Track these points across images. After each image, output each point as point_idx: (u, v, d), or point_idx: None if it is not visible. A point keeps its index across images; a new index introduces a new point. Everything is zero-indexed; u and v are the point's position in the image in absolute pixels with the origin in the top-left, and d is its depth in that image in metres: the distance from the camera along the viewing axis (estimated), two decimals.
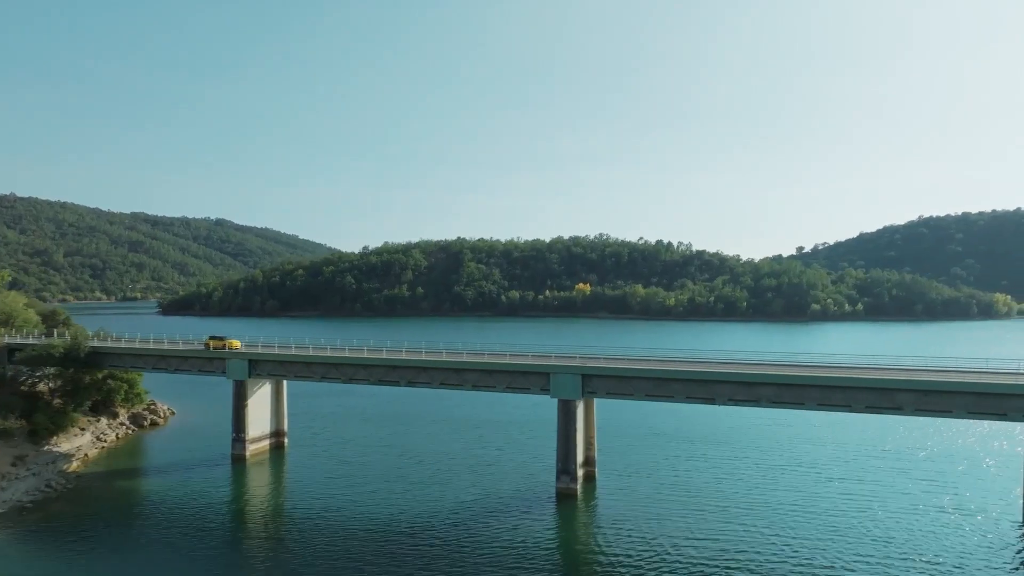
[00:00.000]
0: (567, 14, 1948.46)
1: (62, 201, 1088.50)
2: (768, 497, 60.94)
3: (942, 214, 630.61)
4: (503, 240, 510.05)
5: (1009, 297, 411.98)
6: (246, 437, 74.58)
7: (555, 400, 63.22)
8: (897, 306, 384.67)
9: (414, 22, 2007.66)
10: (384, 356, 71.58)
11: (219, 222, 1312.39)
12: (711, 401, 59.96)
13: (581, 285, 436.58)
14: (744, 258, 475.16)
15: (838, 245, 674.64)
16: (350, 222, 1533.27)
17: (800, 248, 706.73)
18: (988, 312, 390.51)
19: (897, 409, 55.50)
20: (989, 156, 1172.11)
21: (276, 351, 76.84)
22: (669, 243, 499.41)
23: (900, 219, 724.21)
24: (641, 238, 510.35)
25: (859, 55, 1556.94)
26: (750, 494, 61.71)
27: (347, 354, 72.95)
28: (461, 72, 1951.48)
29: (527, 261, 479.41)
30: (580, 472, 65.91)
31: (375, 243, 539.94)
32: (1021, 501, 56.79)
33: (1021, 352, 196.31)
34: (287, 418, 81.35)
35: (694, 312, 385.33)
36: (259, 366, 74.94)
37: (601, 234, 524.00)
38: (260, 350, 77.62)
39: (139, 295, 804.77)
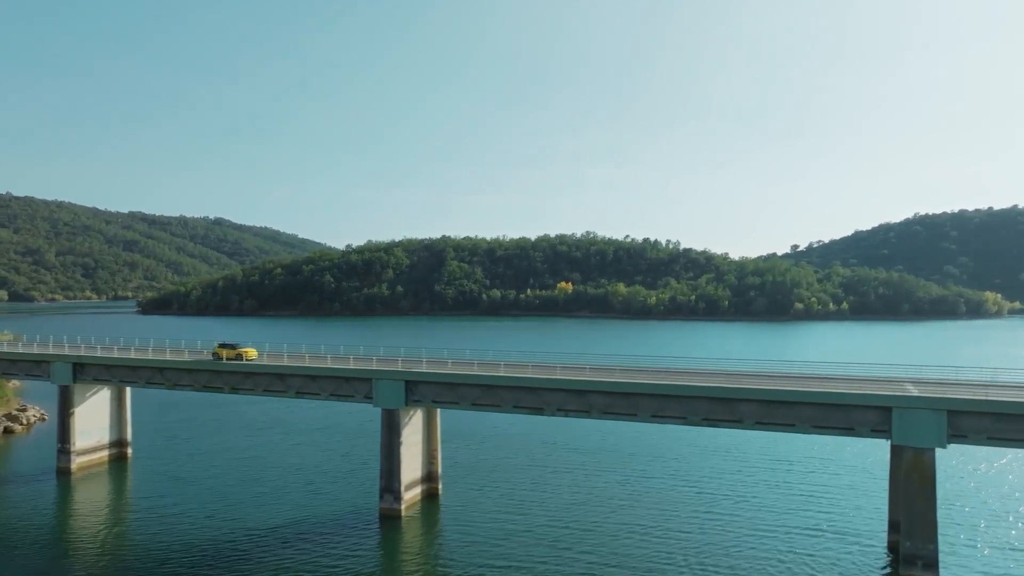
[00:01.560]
0: (563, 14, 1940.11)
1: (59, 200, 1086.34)
2: (629, 515, 54.01)
3: (938, 212, 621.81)
4: (488, 238, 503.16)
5: (999, 296, 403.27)
6: (72, 448, 67.33)
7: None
8: (883, 305, 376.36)
9: (411, 23, 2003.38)
10: (201, 359, 64.91)
11: (217, 221, 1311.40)
12: (540, 411, 53.07)
13: (563, 284, 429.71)
14: (738, 257, 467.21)
15: (833, 243, 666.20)
16: (351, 221, 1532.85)
17: (795, 246, 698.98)
18: (977, 311, 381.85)
19: (737, 422, 48.46)
20: (987, 153, 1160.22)
21: (99, 353, 70.01)
22: (656, 241, 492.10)
23: (898, 217, 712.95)
24: (628, 236, 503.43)
25: (858, 54, 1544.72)
26: (612, 513, 54.72)
27: (168, 357, 66.27)
28: (460, 71, 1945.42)
29: (511, 259, 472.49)
30: (420, 489, 59.39)
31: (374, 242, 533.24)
32: (887, 528, 49.57)
33: (988, 352, 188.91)
34: (131, 426, 74.34)
35: (675, 311, 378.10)
36: (85, 370, 68.29)
37: (588, 232, 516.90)
38: (83, 352, 70.76)
39: (130, 294, 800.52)
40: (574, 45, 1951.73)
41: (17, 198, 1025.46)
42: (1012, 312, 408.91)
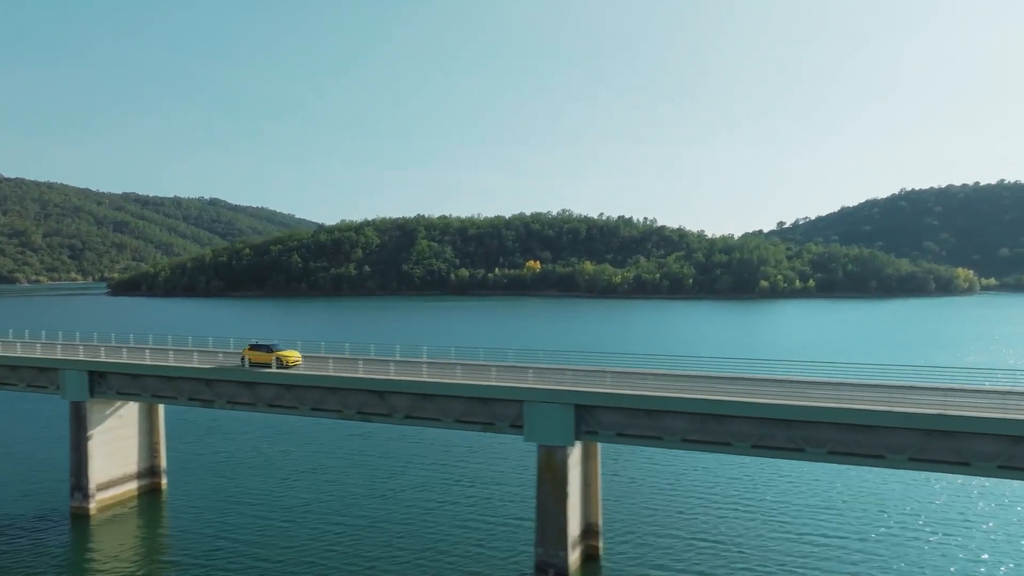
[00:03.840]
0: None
1: (50, 182, 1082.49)
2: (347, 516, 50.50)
3: (925, 187, 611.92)
4: (462, 217, 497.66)
5: (972, 273, 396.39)
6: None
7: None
8: (851, 282, 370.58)
9: (411, 6, 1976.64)
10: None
11: (212, 202, 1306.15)
12: (210, 403, 49.41)
13: (531, 263, 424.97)
14: (720, 235, 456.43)
15: (819, 220, 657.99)
16: (349, 201, 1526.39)
17: (781, 223, 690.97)
18: (947, 288, 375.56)
19: (387, 417, 44.70)
20: (979, 129, 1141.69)
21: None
22: (630, 218, 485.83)
23: (886, 193, 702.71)
24: (602, 214, 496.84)
25: (854, 30, 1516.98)
26: (336, 511, 51.24)
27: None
28: (461, 51, 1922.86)
29: (482, 238, 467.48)
30: (135, 485, 56.08)
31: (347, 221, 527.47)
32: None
33: (912, 334, 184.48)
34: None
35: (640, 290, 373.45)
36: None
37: (564, 210, 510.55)
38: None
39: (117, 276, 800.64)
40: (572, 21, 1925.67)
41: (7, 179, 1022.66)
42: (986, 289, 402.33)
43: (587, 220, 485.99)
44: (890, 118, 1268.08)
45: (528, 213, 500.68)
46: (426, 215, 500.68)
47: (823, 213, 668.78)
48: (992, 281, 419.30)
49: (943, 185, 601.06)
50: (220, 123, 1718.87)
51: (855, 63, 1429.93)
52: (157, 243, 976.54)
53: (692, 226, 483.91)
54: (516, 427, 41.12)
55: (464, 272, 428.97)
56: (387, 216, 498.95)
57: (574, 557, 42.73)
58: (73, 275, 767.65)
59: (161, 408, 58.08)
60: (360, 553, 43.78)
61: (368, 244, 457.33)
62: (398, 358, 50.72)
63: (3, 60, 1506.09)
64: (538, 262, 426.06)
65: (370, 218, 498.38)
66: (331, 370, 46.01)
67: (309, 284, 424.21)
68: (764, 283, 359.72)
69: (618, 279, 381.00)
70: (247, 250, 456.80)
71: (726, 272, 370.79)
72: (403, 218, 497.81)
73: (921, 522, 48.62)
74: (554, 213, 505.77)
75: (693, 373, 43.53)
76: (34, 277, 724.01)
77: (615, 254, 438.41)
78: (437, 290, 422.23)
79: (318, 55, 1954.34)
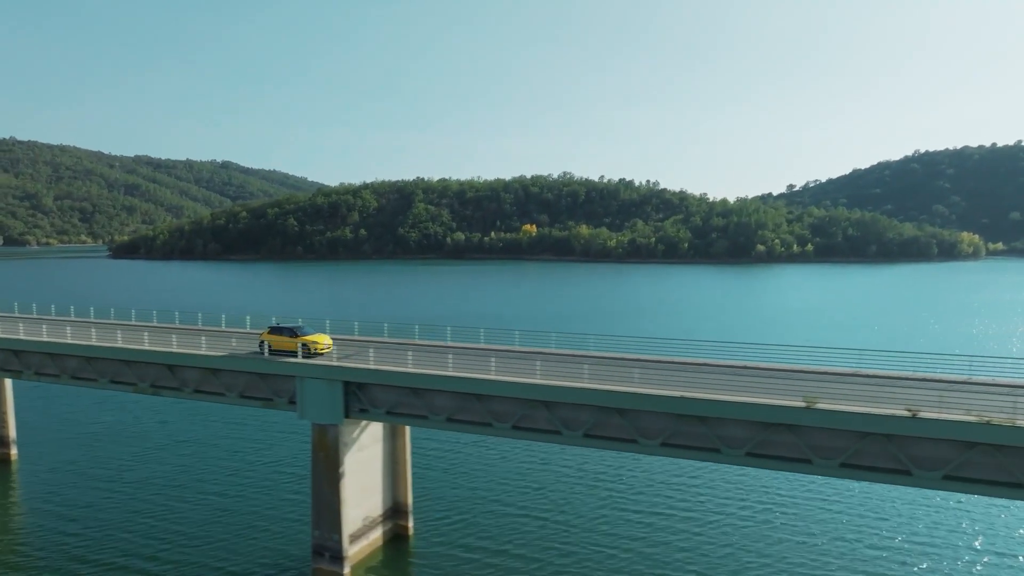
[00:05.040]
0: None
1: (63, 144, 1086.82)
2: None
3: (939, 148, 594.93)
4: (461, 179, 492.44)
5: (977, 237, 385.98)
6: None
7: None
8: (850, 247, 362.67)
9: None
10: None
11: (224, 164, 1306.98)
12: (18, 375, 47.63)
13: (527, 226, 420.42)
14: (732, 199, 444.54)
15: (828, 183, 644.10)
16: (361, 164, 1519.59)
17: (791, 186, 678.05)
18: (951, 253, 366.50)
19: (178, 391, 42.58)
20: (998, 88, 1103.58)
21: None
22: (631, 181, 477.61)
23: (899, 155, 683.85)
24: (602, 176, 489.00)
25: None
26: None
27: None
28: (477, 9, 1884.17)
29: (480, 201, 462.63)
30: None
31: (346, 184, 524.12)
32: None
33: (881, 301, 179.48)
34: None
35: (634, 254, 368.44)
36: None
37: (565, 173, 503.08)
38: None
39: (127, 238, 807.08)
40: None
41: (20, 142, 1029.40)
42: (992, 254, 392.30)
43: (587, 183, 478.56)
44: (910, 81, 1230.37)
45: (528, 176, 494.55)
46: (426, 178, 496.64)
47: (834, 176, 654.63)
48: (999, 246, 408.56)
49: (958, 147, 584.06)
50: (233, 86, 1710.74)
51: (875, 26, 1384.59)
52: (168, 206, 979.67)
53: (703, 191, 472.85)
54: (293, 404, 38.92)
55: (460, 236, 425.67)
56: (388, 179, 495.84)
57: (375, 537, 41.03)
58: (83, 238, 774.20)
59: (8, 381, 56.73)
60: (134, 530, 42.20)
61: (365, 207, 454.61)
62: (189, 326, 48.54)
63: (16, 23, 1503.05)
64: (534, 226, 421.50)
65: (370, 181, 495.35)
66: (119, 341, 43.82)
67: (305, 248, 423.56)
68: (761, 247, 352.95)
69: (613, 243, 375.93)
70: (244, 213, 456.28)
71: (722, 236, 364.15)
72: (402, 181, 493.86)
73: (681, 500, 46.15)
74: (555, 176, 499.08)
75: (470, 346, 41.26)
76: (44, 240, 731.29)
77: (613, 217, 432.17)
78: (433, 254, 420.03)
79: (330, 16, 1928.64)
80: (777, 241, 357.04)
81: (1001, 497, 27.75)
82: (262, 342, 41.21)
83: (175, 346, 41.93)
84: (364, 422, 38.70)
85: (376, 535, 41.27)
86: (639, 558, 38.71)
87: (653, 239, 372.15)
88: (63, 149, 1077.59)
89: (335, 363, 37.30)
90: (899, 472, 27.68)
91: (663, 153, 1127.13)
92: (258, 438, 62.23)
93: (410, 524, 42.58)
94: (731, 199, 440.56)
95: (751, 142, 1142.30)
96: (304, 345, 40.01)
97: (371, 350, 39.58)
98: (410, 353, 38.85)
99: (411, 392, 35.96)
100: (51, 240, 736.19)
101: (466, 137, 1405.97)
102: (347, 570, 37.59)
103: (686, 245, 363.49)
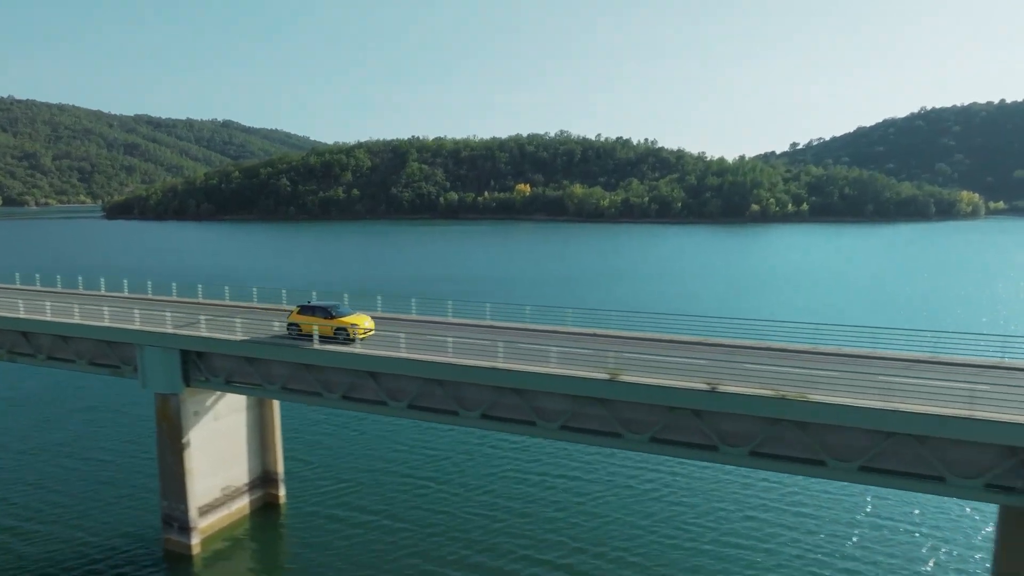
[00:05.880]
0: None
1: (62, 103, 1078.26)
2: None
3: (946, 105, 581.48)
4: (454, 138, 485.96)
5: (977, 196, 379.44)
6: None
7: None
8: (846, 206, 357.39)
9: None
10: None
11: (226, 124, 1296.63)
12: None
13: (521, 186, 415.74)
14: (732, 158, 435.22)
15: (833, 141, 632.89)
16: (365, 122, 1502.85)
17: (794, 144, 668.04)
18: (949, 212, 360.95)
19: (32, 358, 41.31)
20: (1008, 44, 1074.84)
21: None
22: (628, 140, 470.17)
23: (905, 112, 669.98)
24: (599, 135, 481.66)
25: None
26: None
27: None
28: None
29: (475, 160, 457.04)
30: None
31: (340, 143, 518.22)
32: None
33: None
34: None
35: (628, 213, 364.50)
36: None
37: (562, 131, 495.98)
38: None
39: (126, 199, 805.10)
40: None
41: (19, 101, 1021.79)
42: (992, 213, 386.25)
43: (584, 142, 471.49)
44: (920, 37, 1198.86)
45: (525, 135, 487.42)
46: (421, 137, 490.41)
47: (838, 134, 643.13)
48: (1001, 205, 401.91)
49: (966, 103, 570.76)
50: (234, 42, 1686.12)
51: None
52: (168, 166, 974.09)
53: (704, 150, 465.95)
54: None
55: (453, 195, 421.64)
56: (382, 138, 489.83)
57: (239, 506, 40.31)
58: (82, 198, 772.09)
59: None
60: None
61: (359, 167, 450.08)
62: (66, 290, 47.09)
63: None
64: (528, 185, 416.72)
65: (366, 140, 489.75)
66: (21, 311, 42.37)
67: (298, 208, 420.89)
68: (755, 207, 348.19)
69: (606, 202, 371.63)
70: (237, 173, 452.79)
71: (716, 196, 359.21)
72: (397, 140, 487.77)
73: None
74: (552, 134, 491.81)
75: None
76: (43, 200, 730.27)
77: (609, 177, 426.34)
78: (426, 214, 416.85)
79: None
80: (772, 200, 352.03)
81: (802, 475, 26.43)
82: (291, 324, 35.25)
83: (22, 311, 40.50)
84: (219, 392, 37.49)
85: (240, 504, 40.50)
86: (516, 519, 37.83)
87: (647, 198, 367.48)
88: (62, 108, 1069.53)
89: (170, 330, 35.89)
90: (707, 448, 26.22)
91: (665, 111, 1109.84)
92: (120, 407, 60.69)
93: (281, 493, 41.79)
94: (732, 159, 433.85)
95: (757, 100, 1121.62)
96: (341, 329, 33.97)
97: (202, 316, 38.16)
98: (239, 320, 37.35)
99: (246, 361, 34.60)
100: (50, 200, 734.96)
101: (469, 93, 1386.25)
102: (195, 540, 36.83)
103: (680, 205, 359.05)
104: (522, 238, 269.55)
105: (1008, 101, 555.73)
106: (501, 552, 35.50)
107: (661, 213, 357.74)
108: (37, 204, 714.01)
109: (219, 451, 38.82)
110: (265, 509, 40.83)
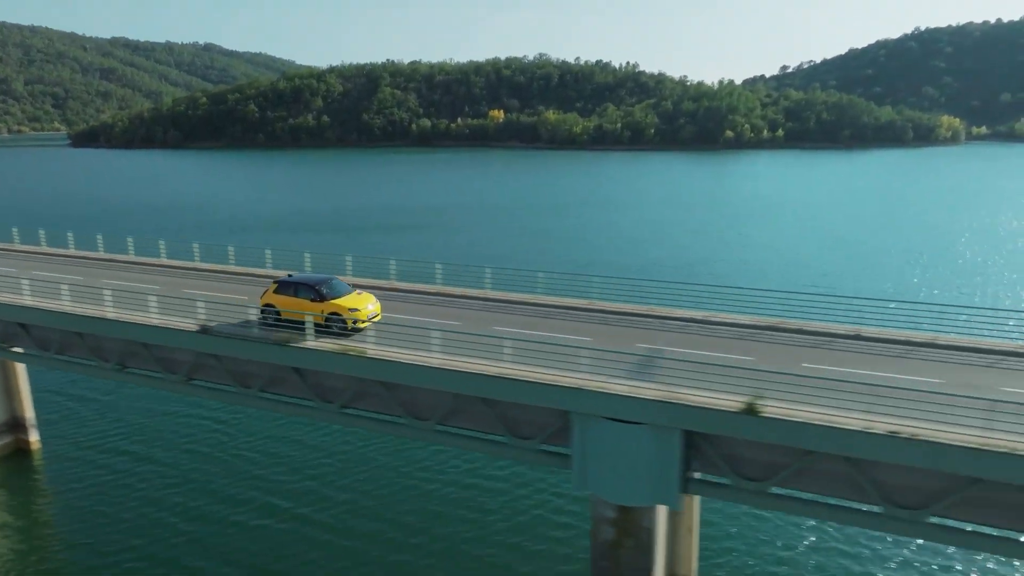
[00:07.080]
0: None
1: (33, 25, 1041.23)
2: None
3: (941, 25, 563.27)
4: (430, 62, 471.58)
5: (958, 121, 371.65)
6: None
7: None
8: (823, 132, 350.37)
9: None
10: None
11: (207, 47, 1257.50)
12: None
13: (494, 112, 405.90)
14: (719, 81, 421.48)
15: (823, 64, 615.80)
16: (353, 46, 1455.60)
17: (784, 67, 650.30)
18: (927, 138, 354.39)
19: None
20: None
21: None
22: (607, 63, 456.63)
23: (899, 32, 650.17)
24: (578, 58, 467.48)
25: None
26: None
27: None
28: None
29: (449, 85, 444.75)
30: None
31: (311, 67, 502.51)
32: None
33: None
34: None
35: (601, 140, 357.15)
36: None
37: (541, 54, 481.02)
38: None
39: (91, 127, 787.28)
40: None
41: None
42: (974, 139, 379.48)
43: (563, 65, 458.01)
44: None
45: (503, 58, 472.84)
46: (395, 61, 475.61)
47: (829, 56, 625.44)
48: (983, 130, 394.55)
49: (961, 23, 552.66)
50: None
51: None
52: (146, 92, 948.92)
53: (687, 74, 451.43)
54: None
55: (426, 123, 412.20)
56: (361, 62, 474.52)
57: None
58: (56, 125, 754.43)
59: None
60: None
61: (330, 92, 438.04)
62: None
63: None
64: (502, 112, 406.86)
65: (338, 64, 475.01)
66: None
67: (267, 135, 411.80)
68: (729, 133, 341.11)
69: (578, 129, 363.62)
70: (204, 99, 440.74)
71: (690, 122, 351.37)
72: (371, 64, 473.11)
73: None
74: (530, 58, 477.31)
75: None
76: (16, 128, 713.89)
77: (586, 102, 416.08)
78: (399, 141, 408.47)
79: None
80: (747, 127, 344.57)
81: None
82: (266, 306, 28.10)
83: None
84: None
85: None
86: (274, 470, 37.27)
87: (619, 124, 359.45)
88: (34, 30, 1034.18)
89: None
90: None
91: (653, 34, 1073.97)
92: None
93: (33, 438, 41.04)
94: (715, 83, 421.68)
95: (753, 22, 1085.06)
96: (335, 315, 26.68)
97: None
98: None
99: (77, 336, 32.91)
100: (23, 128, 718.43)
101: (452, 15, 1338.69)
102: None
103: (652, 131, 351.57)
104: (479, 168, 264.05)
105: (1004, 20, 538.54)
106: (242, 500, 34.97)
107: (634, 140, 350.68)
108: (9, 132, 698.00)
109: None
110: (17, 455, 40.10)
